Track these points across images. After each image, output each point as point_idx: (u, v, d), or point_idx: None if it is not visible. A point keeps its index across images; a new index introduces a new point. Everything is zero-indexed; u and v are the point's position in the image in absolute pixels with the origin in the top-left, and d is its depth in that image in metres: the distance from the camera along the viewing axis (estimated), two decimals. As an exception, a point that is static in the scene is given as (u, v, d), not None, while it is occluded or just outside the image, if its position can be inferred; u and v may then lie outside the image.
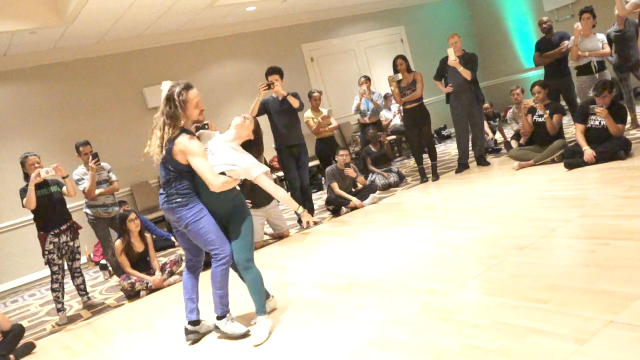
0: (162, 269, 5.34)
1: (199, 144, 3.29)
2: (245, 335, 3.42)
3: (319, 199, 7.48)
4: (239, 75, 9.09)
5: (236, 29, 9.12)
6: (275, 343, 3.24)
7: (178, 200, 3.30)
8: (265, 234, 6.14)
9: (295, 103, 6.10)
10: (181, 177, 3.32)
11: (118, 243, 5.28)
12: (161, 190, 3.42)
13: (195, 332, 3.60)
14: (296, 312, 3.65)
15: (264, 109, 6.11)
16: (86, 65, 7.94)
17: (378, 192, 6.92)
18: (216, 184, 3.21)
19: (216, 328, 3.50)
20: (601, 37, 6.62)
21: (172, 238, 7.18)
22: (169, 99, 3.29)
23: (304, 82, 9.47)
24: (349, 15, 10.40)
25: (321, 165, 7.55)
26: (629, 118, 6.40)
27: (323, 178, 7.77)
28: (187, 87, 3.32)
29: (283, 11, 9.13)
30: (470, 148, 7.18)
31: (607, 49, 6.56)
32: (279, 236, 6.06)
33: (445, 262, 3.84)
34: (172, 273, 5.40)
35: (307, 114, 7.34)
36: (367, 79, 7.91)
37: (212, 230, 3.32)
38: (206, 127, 5.96)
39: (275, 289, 4.29)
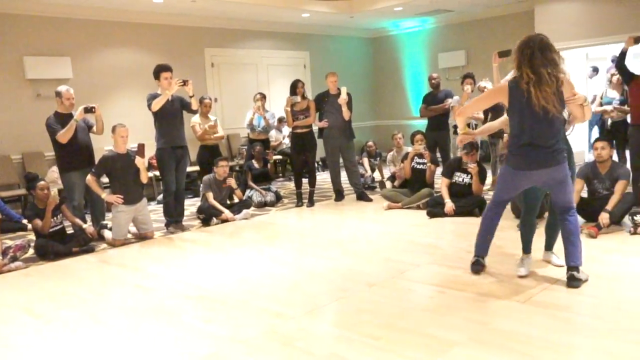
0: (4, 253, 4.94)
1: None
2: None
3: (192, 205, 7.35)
4: (135, 65, 8.75)
5: (139, 18, 8.81)
6: (112, 346, 3.12)
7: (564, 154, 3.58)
8: (129, 232, 5.91)
9: (195, 105, 6.12)
10: None
11: (-41, 217, 4.82)
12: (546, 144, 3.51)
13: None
14: (141, 317, 3.54)
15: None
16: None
17: (252, 208, 6.95)
18: None
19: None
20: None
21: (24, 221, 6.67)
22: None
23: (200, 86, 9.31)
24: (258, 30, 10.45)
25: (201, 172, 7.46)
26: (489, 180, 7.04)
27: (201, 185, 7.66)
28: None
29: (192, 11, 8.98)
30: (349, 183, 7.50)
31: (481, 116, 7.16)
32: (142, 236, 5.86)
33: (298, 288, 3.94)
34: (14, 259, 4.99)
35: (195, 119, 7.23)
36: (263, 97, 8.02)
37: None
38: (93, 110, 5.71)
39: (124, 290, 4.14)
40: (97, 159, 5.85)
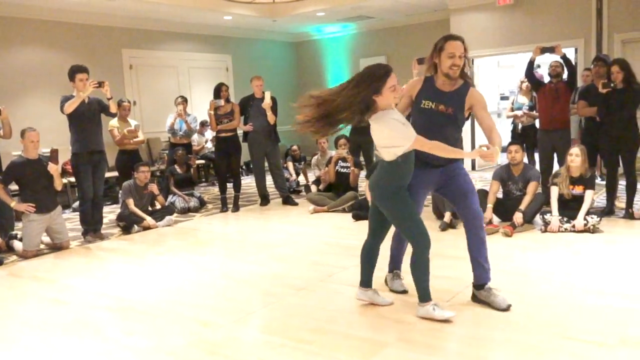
0: None
1: None
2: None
3: (111, 212, 7.05)
4: (47, 65, 8.28)
5: (52, 16, 8.35)
6: (23, 366, 2.92)
7: None
8: (42, 242, 5.57)
9: (114, 108, 5.91)
10: None
11: None
12: None
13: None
14: (58, 333, 3.34)
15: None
16: None
17: (175, 214, 6.77)
18: None
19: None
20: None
21: None
22: None
23: (118, 89, 8.95)
24: (178, 31, 10.20)
25: (120, 177, 7.17)
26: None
27: (121, 191, 7.38)
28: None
29: (109, 10, 8.63)
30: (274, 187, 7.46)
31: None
32: (57, 247, 5.54)
33: (225, 295, 3.87)
34: None
35: (113, 123, 6.94)
36: (184, 100, 7.86)
37: None
38: (-1, 112, 5.35)
39: (38, 305, 3.90)
40: (4, 165, 5.48)
